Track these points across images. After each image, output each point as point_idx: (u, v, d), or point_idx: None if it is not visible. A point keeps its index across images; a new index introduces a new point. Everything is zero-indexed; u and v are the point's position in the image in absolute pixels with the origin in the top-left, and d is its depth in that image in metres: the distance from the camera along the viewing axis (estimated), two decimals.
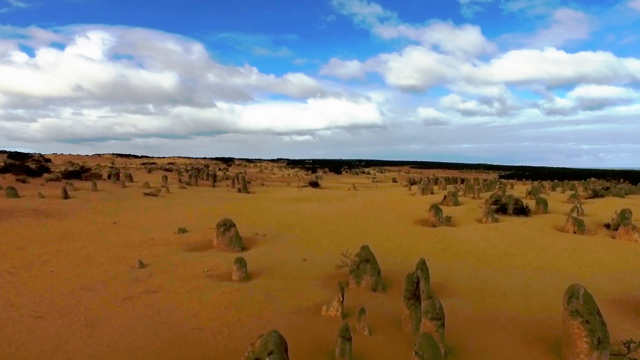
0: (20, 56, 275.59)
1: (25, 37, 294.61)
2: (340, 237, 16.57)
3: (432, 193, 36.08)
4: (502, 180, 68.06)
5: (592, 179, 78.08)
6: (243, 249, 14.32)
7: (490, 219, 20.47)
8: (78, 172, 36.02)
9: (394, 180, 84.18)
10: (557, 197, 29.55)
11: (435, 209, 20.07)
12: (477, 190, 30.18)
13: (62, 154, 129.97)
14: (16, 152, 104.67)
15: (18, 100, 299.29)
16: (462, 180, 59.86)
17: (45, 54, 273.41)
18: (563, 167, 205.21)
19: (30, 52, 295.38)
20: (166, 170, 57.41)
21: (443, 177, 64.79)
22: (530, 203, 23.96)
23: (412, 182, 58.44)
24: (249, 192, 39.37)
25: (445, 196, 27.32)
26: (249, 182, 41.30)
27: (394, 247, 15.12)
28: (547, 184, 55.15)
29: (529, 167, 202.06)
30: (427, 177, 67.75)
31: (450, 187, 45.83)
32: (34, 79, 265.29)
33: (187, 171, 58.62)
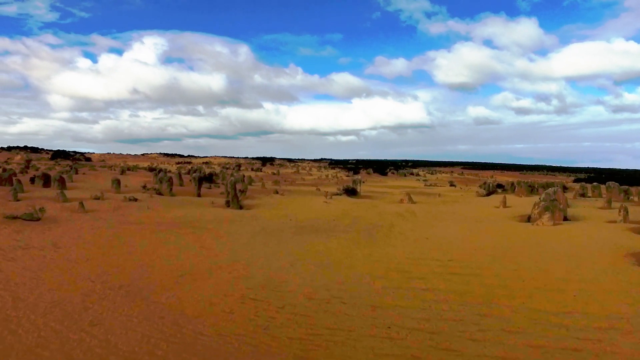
0: (84, 62, 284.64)
1: (88, 44, 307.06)
2: None
3: (565, 218, 19.43)
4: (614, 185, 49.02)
5: None
6: None
7: None
8: None
9: (452, 184, 66.71)
10: None
11: None
12: None
13: (113, 153, 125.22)
14: (61, 150, 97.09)
15: (82, 103, 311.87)
16: (564, 188, 41.88)
17: (106, 60, 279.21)
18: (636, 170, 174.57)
19: (92, 58, 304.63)
20: (151, 170, 44.03)
21: (507, 180, 46.86)
22: None
23: (490, 190, 41.23)
24: (241, 207, 24.63)
25: None
26: (243, 191, 26.66)
27: None
28: None
29: (594, 168, 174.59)
30: (528, 184, 49.88)
31: (543, 196, 28.49)
32: (96, 83, 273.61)
33: (188, 173, 45.04)
